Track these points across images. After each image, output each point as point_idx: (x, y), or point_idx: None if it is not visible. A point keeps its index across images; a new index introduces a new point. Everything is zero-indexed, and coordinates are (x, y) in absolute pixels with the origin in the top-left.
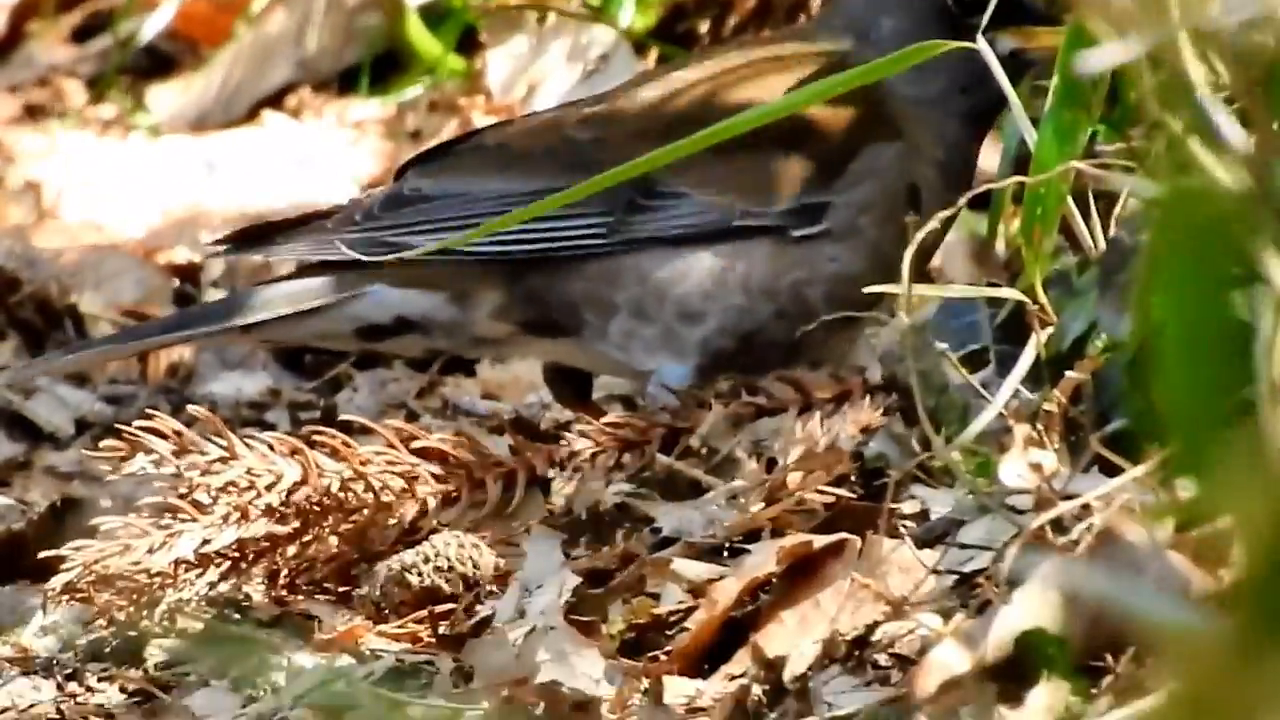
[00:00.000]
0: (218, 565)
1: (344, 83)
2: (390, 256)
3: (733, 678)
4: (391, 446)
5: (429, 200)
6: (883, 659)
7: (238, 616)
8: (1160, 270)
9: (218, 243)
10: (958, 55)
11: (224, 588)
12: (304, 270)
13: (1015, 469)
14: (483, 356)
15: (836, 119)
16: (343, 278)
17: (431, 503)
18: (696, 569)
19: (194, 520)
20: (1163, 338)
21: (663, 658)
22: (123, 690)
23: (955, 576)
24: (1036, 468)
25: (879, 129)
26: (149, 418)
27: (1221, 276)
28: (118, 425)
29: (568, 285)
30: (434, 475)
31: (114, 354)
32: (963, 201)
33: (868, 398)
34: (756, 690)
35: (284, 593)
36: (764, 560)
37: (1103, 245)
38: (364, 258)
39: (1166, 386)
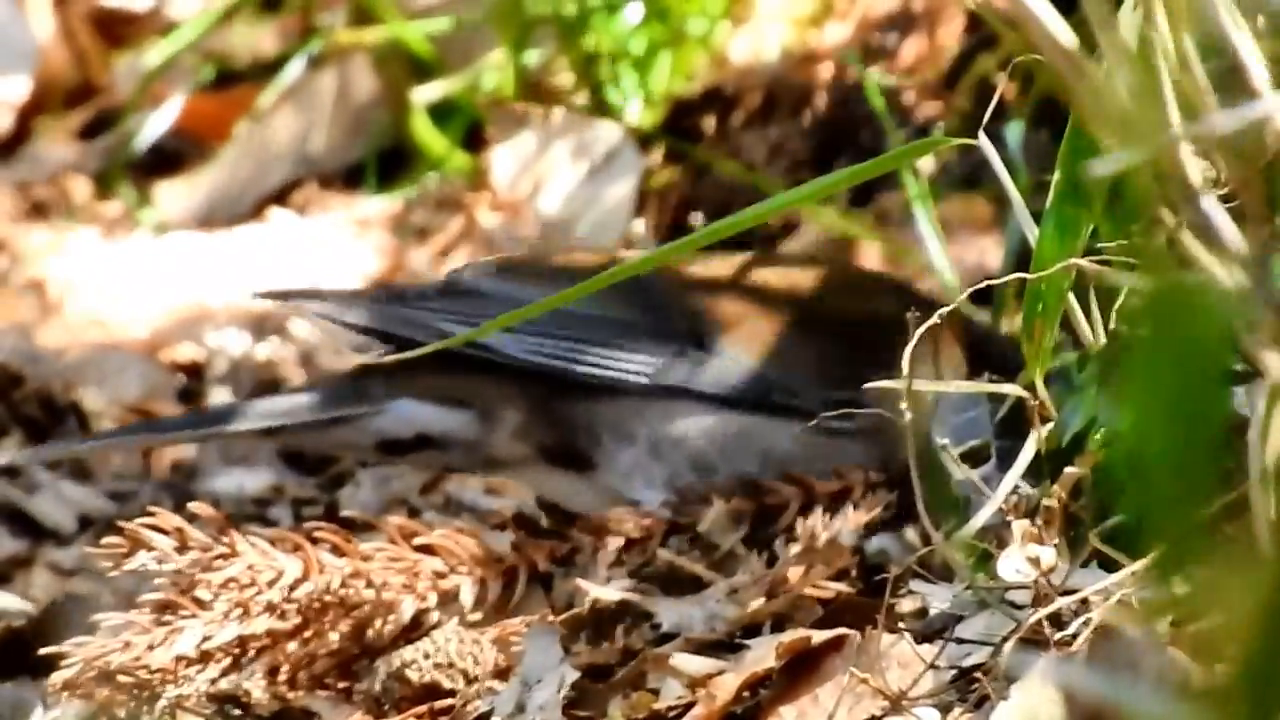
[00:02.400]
0: (219, 661)
1: (350, 179)
2: (437, 344)
3: None
4: (393, 542)
5: (484, 296)
6: None
7: (238, 712)
8: (1141, 367)
9: (268, 295)
10: None
11: (225, 684)
12: (320, 379)
13: (1014, 564)
14: (494, 477)
15: (895, 321)
16: (366, 389)
17: (432, 599)
18: (696, 664)
19: (195, 616)
20: (1143, 435)
21: None
22: None
23: (954, 671)
24: (1035, 563)
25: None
26: (151, 514)
27: (1203, 374)
28: (120, 521)
29: (595, 412)
30: (435, 572)
31: (130, 445)
32: (963, 296)
33: (868, 494)
34: None
35: (285, 689)
36: (763, 655)
37: (1103, 340)
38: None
39: (1146, 485)
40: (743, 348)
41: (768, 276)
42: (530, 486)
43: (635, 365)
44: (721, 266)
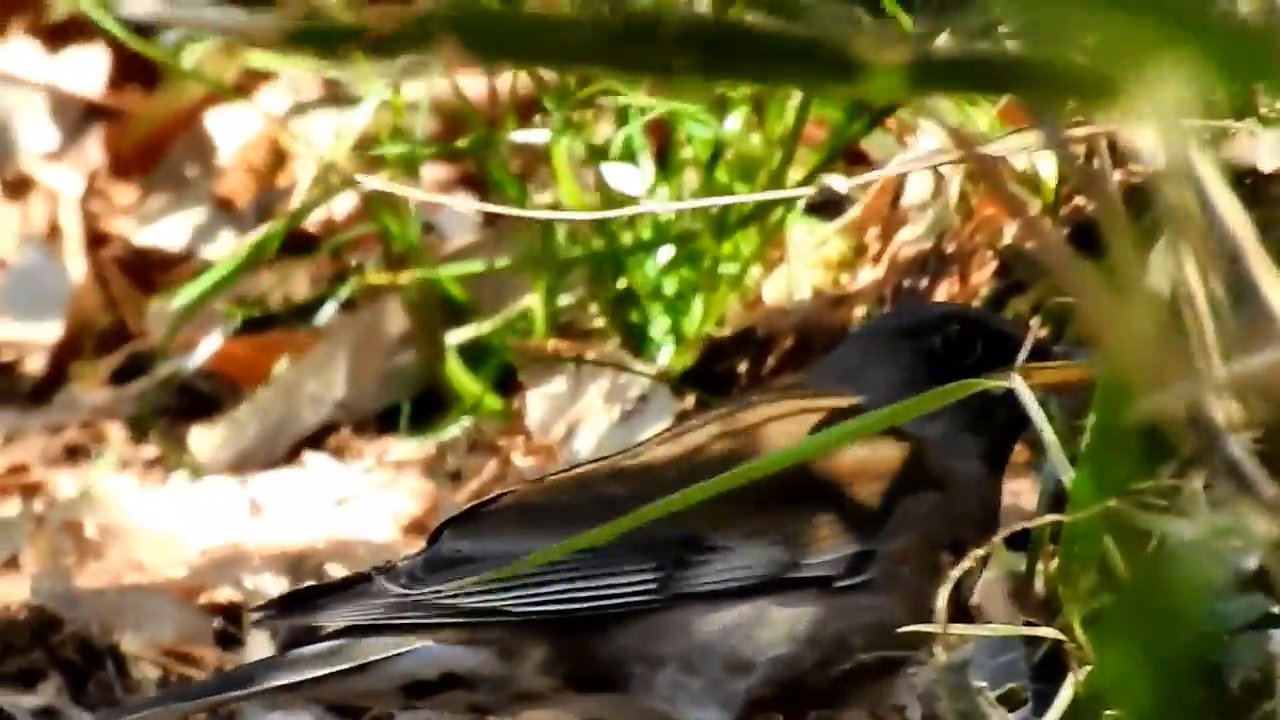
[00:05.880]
0: None
1: (383, 422)
2: (436, 622)
3: None
4: None
5: (471, 561)
6: None
7: None
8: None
9: (262, 608)
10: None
11: None
12: (339, 630)
13: None
14: (523, 712)
15: (877, 470)
16: (390, 635)
17: None
18: None
19: None
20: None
21: None
22: None
23: None
24: None
25: (919, 480)
26: None
27: (1188, 641)
28: None
29: (616, 640)
30: None
31: (163, 715)
32: (997, 540)
33: None
34: None
35: None
36: None
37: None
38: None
39: None
40: (735, 532)
41: (723, 450)
42: (569, 712)
43: (638, 584)
44: (671, 454)
